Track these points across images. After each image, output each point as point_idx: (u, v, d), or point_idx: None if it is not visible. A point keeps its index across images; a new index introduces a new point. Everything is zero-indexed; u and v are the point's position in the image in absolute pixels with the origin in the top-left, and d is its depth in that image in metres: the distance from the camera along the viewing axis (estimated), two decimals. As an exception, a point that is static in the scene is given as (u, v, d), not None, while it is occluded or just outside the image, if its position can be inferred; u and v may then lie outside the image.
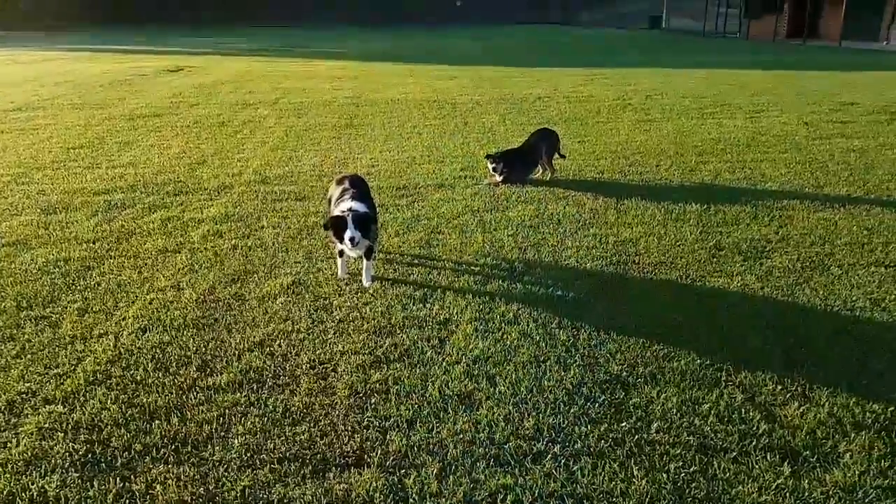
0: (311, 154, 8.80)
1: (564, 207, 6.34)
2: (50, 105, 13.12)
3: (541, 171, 7.47)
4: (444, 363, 3.59)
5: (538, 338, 3.82)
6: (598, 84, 16.50)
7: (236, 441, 2.98)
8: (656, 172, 7.63)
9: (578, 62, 22.44)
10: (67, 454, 2.92)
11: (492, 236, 5.61)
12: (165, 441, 3.00)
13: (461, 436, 2.96)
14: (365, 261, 4.66)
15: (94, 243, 5.53)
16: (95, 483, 2.74)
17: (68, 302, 4.46)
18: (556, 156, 7.55)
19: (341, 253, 4.70)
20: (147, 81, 17.46)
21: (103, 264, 5.10)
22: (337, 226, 4.30)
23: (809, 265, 4.85)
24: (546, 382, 3.36)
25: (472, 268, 4.97)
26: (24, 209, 6.45)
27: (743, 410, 3.10)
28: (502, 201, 6.62)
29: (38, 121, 11.32)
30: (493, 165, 7.18)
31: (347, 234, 4.20)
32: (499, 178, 7.24)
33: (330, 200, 5.04)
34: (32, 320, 4.21)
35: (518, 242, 5.43)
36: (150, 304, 4.43)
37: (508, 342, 3.79)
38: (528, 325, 3.97)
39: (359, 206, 4.40)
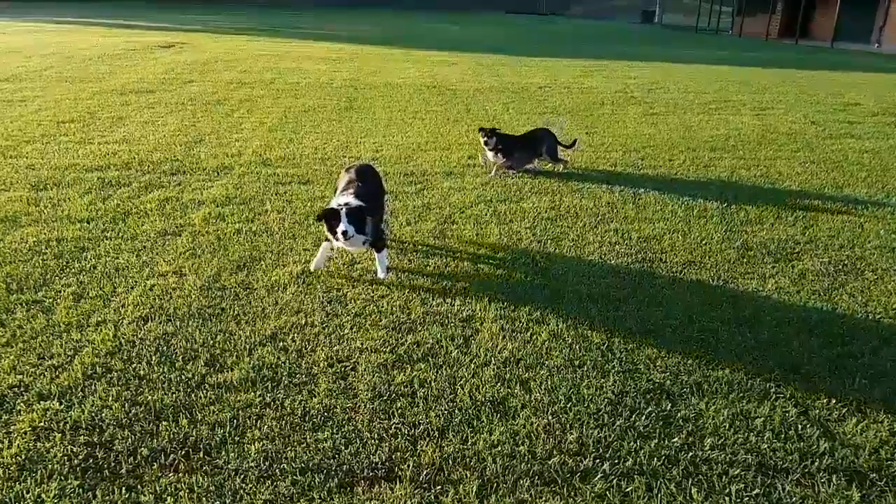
0: (312, 136, 8.49)
1: (580, 200, 6.12)
2: (38, 77, 12.62)
3: (552, 166, 7.22)
4: (472, 365, 3.36)
5: (570, 339, 3.60)
6: (598, 76, 16.28)
7: (253, 447, 2.74)
8: (670, 167, 7.43)
9: (574, 53, 22.17)
10: (66, 458, 2.66)
11: (508, 228, 5.38)
12: (175, 445, 2.75)
13: (499, 448, 2.74)
14: (376, 253, 4.43)
15: (88, 223, 5.23)
16: (98, 492, 2.49)
17: (62, 286, 4.17)
18: (562, 149, 7.25)
19: (331, 247, 4.46)
20: (138, 56, 16.92)
21: (99, 246, 4.80)
22: (330, 219, 4.12)
23: (842, 269, 4.68)
24: (585, 390, 3.14)
25: (491, 261, 4.74)
26: (13, 184, 6.11)
27: (799, 426, 2.91)
28: (515, 192, 6.39)
29: (25, 93, 10.86)
30: (486, 139, 6.87)
31: (340, 228, 4.02)
32: (491, 156, 6.93)
33: (336, 189, 4.82)
34: (24, 305, 3.91)
35: (536, 235, 5.21)
36: (151, 290, 4.15)
37: (539, 343, 3.57)
38: (557, 325, 3.75)
39: (356, 202, 4.19)
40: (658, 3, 52.82)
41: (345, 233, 4.01)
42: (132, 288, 4.17)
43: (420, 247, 4.97)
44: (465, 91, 12.99)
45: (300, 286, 4.27)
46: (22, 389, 3.12)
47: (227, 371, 3.30)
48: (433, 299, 4.10)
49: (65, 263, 4.49)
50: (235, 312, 3.91)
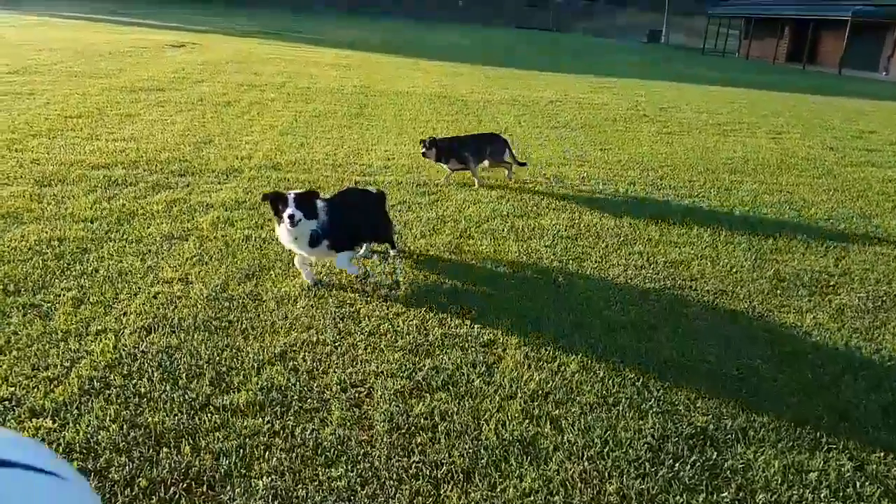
0: (323, 142, 8.30)
1: (601, 219, 5.91)
2: (47, 71, 12.44)
3: (506, 172, 7.00)
4: (497, 397, 3.13)
5: (602, 373, 3.37)
6: (608, 92, 16.15)
7: (260, 483, 2.51)
8: (690, 188, 7.23)
9: (583, 69, 22.08)
10: (58, 485, 2.42)
11: (527, 245, 5.17)
12: (176, 476, 2.51)
13: (531, 498, 2.50)
14: (335, 254, 4.15)
15: (91, 223, 5.01)
16: (92, 527, 2.25)
17: (62, 289, 3.94)
18: (508, 159, 6.99)
19: (305, 260, 4.23)
20: (148, 54, 16.78)
21: (102, 248, 4.58)
22: (277, 203, 3.88)
23: (882, 306, 4.46)
24: (623, 433, 2.91)
25: (510, 280, 4.52)
26: (17, 179, 5.89)
27: (857, 483, 2.68)
28: (532, 207, 6.18)
29: (34, 86, 10.67)
30: (424, 150, 6.67)
31: (287, 212, 3.78)
32: (433, 159, 6.76)
33: None
34: (20, 308, 3.69)
35: (557, 255, 5.00)
36: (155, 298, 3.93)
37: (568, 375, 3.34)
38: (586, 355, 3.53)
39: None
40: (665, 23, 53.03)
41: (291, 216, 3.77)
42: (135, 295, 3.95)
43: (436, 262, 4.76)
44: (476, 102, 12.84)
45: (311, 299, 4.06)
46: (13, 403, 2.90)
47: (234, 392, 3.08)
48: (451, 320, 3.88)
49: (66, 265, 4.27)
50: (243, 326, 3.69)
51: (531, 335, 3.73)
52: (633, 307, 4.16)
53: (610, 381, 3.28)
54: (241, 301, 3.97)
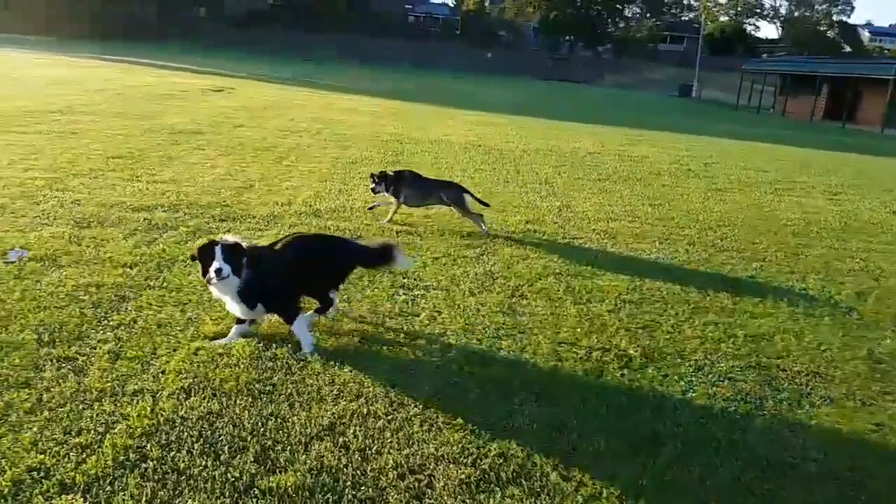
0: (362, 189, 8.13)
1: (664, 282, 5.52)
2: (91, 111, 12.65)
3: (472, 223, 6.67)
4: (580, 497, 2.73)
5: (698, 470, 2.95)
6: (647, 145, 15.98)
7: None
8: (755, 251, 6.83)
9: (617, 121, 22.06)
10: (83, 587, 2.09)
11: (587, 309, 4.81)
12: (219, 581, 2.16)
13: None
14: (290, 326, 3.86)
15: (131, 268, 4.80)
16: None
17: (98, 341, 3.68)
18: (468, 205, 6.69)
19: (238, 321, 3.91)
20: (189, 98, 17.11)
21: (141, 296, 4.35)
22: (204, 256, 3.62)
23: None
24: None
25: (574, 349, 4.15)
26: (57, 219, 5.75)
27: None
28: (585, 264, 5.84)
29: (77, 125, 10.79)
30: (373, 185, 6.71)
31: (214, 266, 3.52)
32: (390, 198, 6.77)
33: None
34: (54, 361, 3.43)
35: (623, 322, 4.62)
36: (196, 354, 3.65)
37: (657, 470, 2.93)
38: (675, 447, 3.11)
39: (236, 239, 3.73)
40: (696, 78, 53.24)
41: (219, 270, 3.51)
42: (175, 350, 3.68)
43: (488, 323, 4.41)
44: (511, 151, 12.74)
45: (360, 361, 3.73)
46: (42, 475, 2.61)
47: (280, 472, 2.74)
48: (514, 396, 3.51)
49: (102, 314, 4.03)
50: (288, 391, 3.38)
51: (608, 420, 3.33)
52: (718, 391, 3.74)
53: (708, 481, 2.86)
54: (284, 361, 3.67)
